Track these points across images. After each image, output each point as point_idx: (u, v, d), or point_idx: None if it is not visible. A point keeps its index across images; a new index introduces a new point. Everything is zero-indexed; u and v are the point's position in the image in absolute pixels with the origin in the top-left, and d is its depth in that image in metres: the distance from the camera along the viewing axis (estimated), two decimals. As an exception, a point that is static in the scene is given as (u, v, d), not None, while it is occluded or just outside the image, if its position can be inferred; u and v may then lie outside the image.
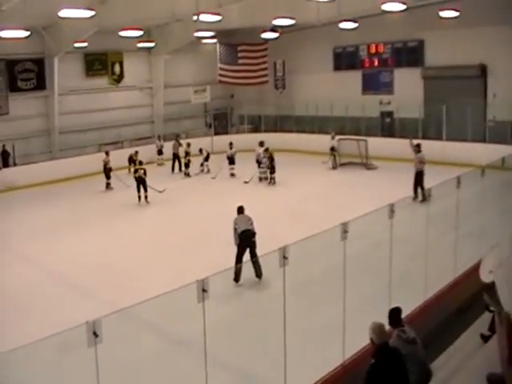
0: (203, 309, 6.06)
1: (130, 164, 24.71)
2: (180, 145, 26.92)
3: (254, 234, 12.09)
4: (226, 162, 24.78)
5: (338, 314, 7.97)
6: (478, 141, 23.74)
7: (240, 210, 12.66)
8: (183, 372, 8.23)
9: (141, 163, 21.48)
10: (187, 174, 25.68)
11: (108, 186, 23.61)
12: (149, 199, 20.78)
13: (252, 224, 12.23)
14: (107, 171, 23.46)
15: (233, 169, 24.58)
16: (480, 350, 6.67)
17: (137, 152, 24.20)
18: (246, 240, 11.95)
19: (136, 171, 21.28)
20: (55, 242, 16.39)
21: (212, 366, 6.55)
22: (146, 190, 20.76)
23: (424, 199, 14.82)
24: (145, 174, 20.89)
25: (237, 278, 11.75)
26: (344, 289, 7.93)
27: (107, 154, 23.70)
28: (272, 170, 22.83)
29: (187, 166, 25.78)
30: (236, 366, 8.82)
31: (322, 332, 9.33)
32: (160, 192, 20.97)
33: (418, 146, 19.17)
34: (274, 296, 10.24)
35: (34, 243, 16.35)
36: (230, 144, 24.98)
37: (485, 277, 5.69)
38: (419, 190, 17.81)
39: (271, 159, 22.83)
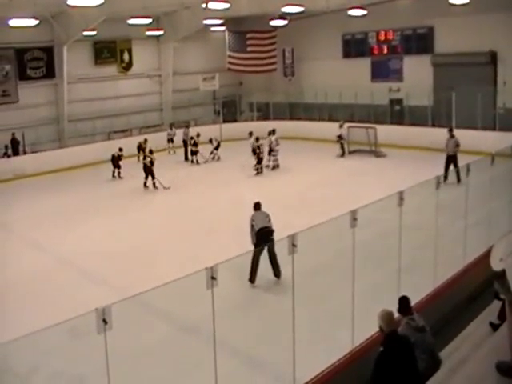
0: (212, 296, 6.07)
1: (138, 152, 24.68)
2: (188, 132, 26.82)
3: (272, 231, 11.30)
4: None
5: (346, 302, 7.97)
6: (487, 128, 23.57)
7: (257, 206, 11.85)
8: (192, 358, 8.27)
9: (151, 152, 21.51)
10: (196, 162, 25.66)
11: (114, 174, 23.42)
12: (157, 186, 20.92)
13: (270, 221, 11.45)
14: (116, 162, 23.30)
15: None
16: (489, 338, 6.65)
17: (146, 140, 24.20)
18: (263, 238, 11.13)
19: (144, 158, 21.34)
20: (65, 229, 16.47)
21: (221, 352, 6.59)
22: (153, 178, 20.84)
23: (459, 180, 15.78)
24: (151, 163, 20.94)
25: (252, 279, 11.28)
26: (353, 276, 7.93)
27: (121, 150, 23.38)
28: (260, 160, 22.69)
29: (195, 153, 25.71)
30: (245, 353, 8.85)
31: (330, 319, 9.36)
32: (165, 188, 20.82)
33: (451, 130, 19.83)
34: (282, 283, 10.30)
35: (43, 230, 16.45)
36: (250, 133, 23.80)
37: (495, 265, 5.65)
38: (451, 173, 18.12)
39: (259, 149, 22.57)
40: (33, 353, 7.53)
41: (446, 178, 17.93)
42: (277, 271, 11.19)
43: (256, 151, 22.70)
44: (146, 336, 9.03)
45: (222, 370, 6.58)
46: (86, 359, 8.03)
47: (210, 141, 25.97)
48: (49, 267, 13.46)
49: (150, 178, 20.93)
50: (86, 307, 5.28)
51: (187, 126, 27.44)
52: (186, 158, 26.54)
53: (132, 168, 23.14)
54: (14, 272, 13.16)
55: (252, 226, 11.38)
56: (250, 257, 11.00)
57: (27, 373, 8.29)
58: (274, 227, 11.39)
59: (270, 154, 23.42)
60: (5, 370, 8.00)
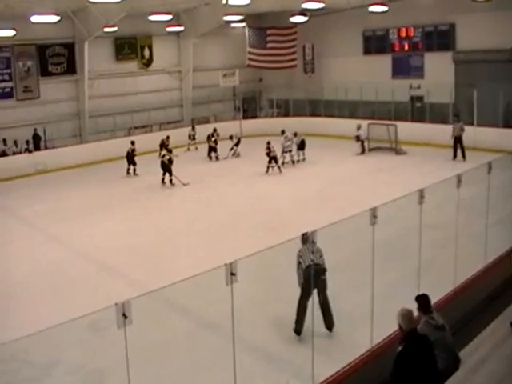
0: (231, 292, 6.08)
1: (161, 149, 24.54)
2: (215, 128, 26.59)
3: (323, 269, 8.77)
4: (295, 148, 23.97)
5: (366, 300, 7.94)
6: (509, 126, 23.31)
7: (304, 237, 8.80)
8: (211, 354, 8.30)
9: (170, 151, 21.63)
10: (216, 158, 25.66)
11: (129, 171, 23.35)
12: (174, 182, 20.99)
13: (321, 256, 8.82)
14: (131, 158, 23.21)
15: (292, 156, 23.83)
16: (510, 338, 6.60)
17: (168, 137, 24.16)
18: (312, 279, 8.42)
19: (164, 156, 21.41)
20: (86, 223, 16.60)
21: (239, 348, 6.60)
22: (170, 174, 20.97)
23: (464, 157, 20.23)
24: (170, 161, 21.03)
25: (298, 329, 8.91)
26: (372, 274, 7.89)
27: (133, 143, 23.35)
28: (273, 159, 22.44)
29: (215, 150, 25.69)
30: (264, 349, 8.86)
31: (350, 317, 9.33)
32: (184, 185, 20.80)
33: (457, 115, 21.91)
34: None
35: (64, 225, 16.59)
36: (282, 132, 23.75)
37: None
38: (459, 152, 21.87)
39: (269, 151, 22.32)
40: (53, 346, 7.61)
41: (455, 156, 21.93)
42: (329, 321, 8.96)
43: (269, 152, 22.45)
44: (166, 331, 9.07)
45: (241, 366, 6.60)
46: (106, 353, 8.09)
47: (231, 137, 25.98)
48: (69, 261, 13.59)
49: (167, 174, 20.99)
50: (106, 301, 5.31)
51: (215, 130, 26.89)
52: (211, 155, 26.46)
53: (151, 164, 23.16)
54: (35, 265, 13.32)
55: (299, 262, 8.86)
56: (268, 253, 10.86)
57: (47, 366, 8.38)
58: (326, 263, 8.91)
59: (283, 153, 23.41)
60: (26, 363, 8.11)
